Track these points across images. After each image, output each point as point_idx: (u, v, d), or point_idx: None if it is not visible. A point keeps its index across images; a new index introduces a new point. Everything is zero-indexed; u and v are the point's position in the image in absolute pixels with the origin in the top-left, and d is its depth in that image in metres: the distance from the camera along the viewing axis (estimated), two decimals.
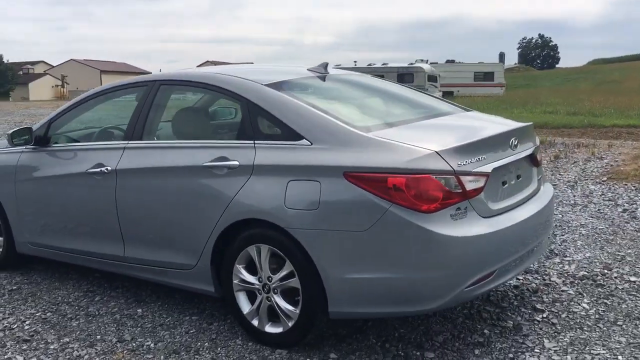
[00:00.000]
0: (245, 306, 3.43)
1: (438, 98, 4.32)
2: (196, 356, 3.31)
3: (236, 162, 3.36)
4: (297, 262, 3.15)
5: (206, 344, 3.44)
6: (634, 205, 6.25)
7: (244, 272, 3.40)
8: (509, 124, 3.57)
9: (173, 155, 3.67)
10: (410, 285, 2.95)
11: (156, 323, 3.75)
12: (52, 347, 3.48)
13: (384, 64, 42.53)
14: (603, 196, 6.77)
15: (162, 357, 3.31)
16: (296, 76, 3.89)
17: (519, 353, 3.23)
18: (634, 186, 7.20)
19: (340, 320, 3.47)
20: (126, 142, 3.95)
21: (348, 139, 3.12)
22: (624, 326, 3.51)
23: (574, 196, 6.83)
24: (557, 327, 3.53)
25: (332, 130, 3.18)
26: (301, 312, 3.21)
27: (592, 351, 3.23)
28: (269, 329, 3.35)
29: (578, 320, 3.60)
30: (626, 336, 3.39)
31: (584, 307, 3.78)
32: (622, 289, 4.05)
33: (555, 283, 4.19)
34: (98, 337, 3.59)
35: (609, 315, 3.65)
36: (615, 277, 4.25)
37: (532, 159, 3.66)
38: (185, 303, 3.99)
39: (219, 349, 3.38)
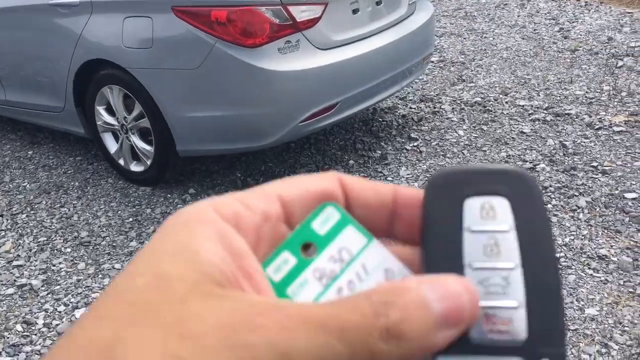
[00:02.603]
0: (111, 146, 3.49)
1: None
2: (64, 195, 3.44)
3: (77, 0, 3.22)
4: (143, 102, 3.14)
5: (77, 183, 3.56)
6: (573, 24, 5.97)
7: (103, 113, 3.41)
8: None
9: None
10: (244, 121, 2.95)
11: (39, 164, 3.86)
12: None
13: None
14: (548, 15, 6.45)
15: (31, 197, 3.45)
16: None
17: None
18: (586, 1, 6.81)
19: (212, 158, 3.54)
20: None
21: None
22: (487, 151, 3.54)
23: (518, 16, 6.51)
24: (423, 155, 3.57)
25: None
26: (155, 150, 3.26)
27: None
28: (134, 167, 3.44)
29: (446, 148, 3.63)
30: (483, 161, 3.42)
31: (459, 135, 3.78)
32: (507, 114, 4.01)
33: (444, 111, 4.15)
34: None
35: (478, 142, 3.67)
36: (506, 102, 4.19)
37: None
38: (75, 144, 4.06)
39: (88, 187, 3.51)
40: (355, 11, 3.15)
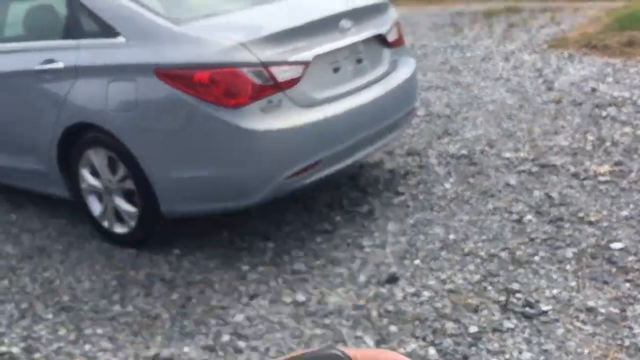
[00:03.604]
0: (96, 208, 3.47)
1: None
2: (47, 259, 3.40)
3: (61, 64, 3.26)
4: (127, 164, 3.14)
5: (60, 247, 3.52)
6: (557, 75, 6.08)
7: (87, 175, 3.40)
8: (342, 6, 3.36)
9: (9, 60, 3.57)
10: (228, 180, 2.95)
11: (23, 228, 3.82)
12: None
13: None
14: (532, 67, 6.57)
15: (14, 261, 3.40)
16: None
17: (359, 238, 3.28)
18: (569, 53, 6.96)
19: (198, 217, 3.51)
20: None
21: (159, 33, 2.99)
22: (473, 204, 3.53)
23: (503, 69, 6.62)
24: (410, 209, 3.55)
25: (144, 25, 3.04)
26: (139, 212, 3.24)
27: (429, 231, 3.26)
28: (118, 229, 3.41)
29: (432, 202, 3.61)
30: (470, 214, 3.41)
31: (445, 188, 3.78)
32: (493, 166, 4.02)
33: (431, 164, 4.17)
34: None
35: (465, 194, 3.66)
36: (493, 155, 4.21)
37: (382, 40, 3.50)
38: (59, 207, 4.02)
39: (72, 251, 3.46)
40: (336, 70, 3.20)
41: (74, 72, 3.20)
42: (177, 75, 2.86)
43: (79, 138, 3.32)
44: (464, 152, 4.31)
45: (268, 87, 2.86)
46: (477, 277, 2.79)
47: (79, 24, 3.28)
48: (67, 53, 3.26)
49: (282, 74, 2.89)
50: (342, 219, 3.52)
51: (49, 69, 3.30)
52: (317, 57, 3.04)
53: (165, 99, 2.91)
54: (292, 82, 2.94)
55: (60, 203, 3.95)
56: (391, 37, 3.57)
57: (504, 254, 2.96)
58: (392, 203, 3.66)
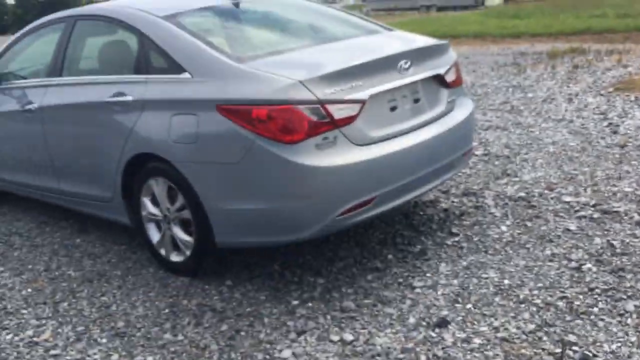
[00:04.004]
0: (154, 236, 3.57)
1: (363, 18, 4.14)
2: (105, 284, 3.51)
3: (130, 98, 3.41)
4: (186, 194, 3.23)
5: (119, 272, 3.63)
6: (623, 119, 5.91)
7: (148, 204, 3.51)
8: (402, 46, 3.39)
9: (83, 92, 3.77)
10: (281, 215, 2.98)
11: (85, 252, 3.97)
12: None
13: None
14: (596, 109, 6.41)
15: (74, 285, 3.53)
16: (202, 5, 3.81)
17: (410, 278, 3.25)
18: (636, 96, 6.76)
19: (250, 248, 3.56)
20: (49, 79, 4.06)
21: (221, 70, 3.10)
22: (530, 249, 3.44)
23: (566, 111, 6.49)
24: (463, 251, 3.50)
25: (209, 62, 3.16)
26: (195, 242, 3.31)
27: (483, 275, 3.20)
28: (174, 257, 3.49)
29: (487, 244, 3.55)
30: (527, 259, 3.32)
31: (501, 230, 3.70)
32: (552, 210, 3.92)
33: (487, 205, 4.10)
34: (29, 266, 3.85)
35: (522, 238, 3.57)
36: (552, 198, 4.11)
37: (441, 80, 3.51)
38: (121, 233, 4.17)
39: (129, 277, 3.57)
40: (393, 108, 3.22)
41: (141, 105, 3.34)
42: (236, 111, 2.94)
43: (142, 167, 3.45)
44: (522, 194, 4.22)
45: (324, 125, 2.91)
46: (531, 326, 2.71)
47: (149, 60, 3.43)
48: (136, 87, 3.41)
49: (338, 111, 2.93)
50: (394, 257, 3.50)
51: (119, 101, 3.46)
52: (374, 96, 3.07)
53: (224, 133, 2.99)
54: (348, 120, 2.97)
55: (121, 229, 4.09)
56: (450, 78, 3.57)
57: (561, 303, 2.86)
58: (445, 243, 3.61)
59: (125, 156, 3.47)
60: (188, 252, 3.38)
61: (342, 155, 2.95)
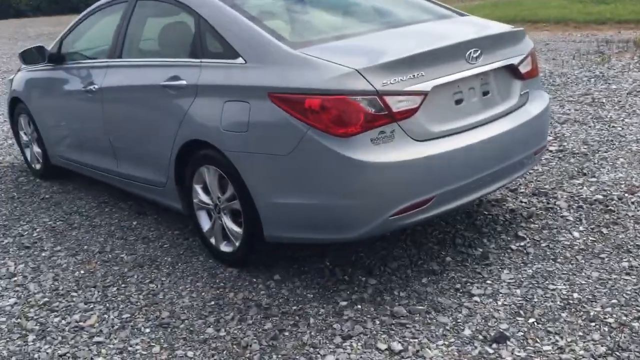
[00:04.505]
0: (205, 224, 3.50)
1: (434, 2, 3.88)
2: (155, 270, 3.47)
3: (184, 82, 3.33)
4: (236, 185, 3.13)
5: (170, 259, 3.59)
6: None
7: (200, 191, 3.44)
8: (472, 33, 3.13)
9: (140, 74, 3.72)
10: (331, 212, 2.82)
11: (140, 236, 3.96)
12: (43, 254, 3.81)
13: None
14: None
15: (126, 269, 3.51)
16: None
17: (468, 284, 3.03)
18: None
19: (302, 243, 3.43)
20: (109, 60, 4.04)
21: (276, 56, 2.95)
22: (606, 259, 3.14)
23: None
24: (529, 257, 3.23)
25: (263, 47, 3.02)
26: (244, 233, 3.21)
27: (549, 286, 2.94)
28: (224, 247, 3.41)
29: (557, 251, 3.27)
30: (600, 271, 3.03)
31: (573, 237, 3.41)
32: (633, 216, 3.58)
33: (559, 207, 3.79)
34: (85, 247, 3.87)
35: (596, 247, 3.27)
36: (633, 203, 3.76)
37: (514, 71, 3.23)
38: (176, 218, 4.13)
39: (179, 264, 3.51)
40: (458, 102, 2.98)
41: (194, 90, 3.25)
42: (289, 100, 2.79)
43: (194, 154, 3.36)
44: (599, 196, 3.88)
45: (381, 117, 2.71)
46: (602, 348, 2.44)
47: (204, 43, 3.33)
48: (190, 71, 3.32)
49: (397, 104, 2.73)
50: (453, 260, 3.28)
51: (173, 85, 3.38)
52: (437, 88, 2.84)
53: (276, 122, 2.85)
54: (408, 113, 2.77)
55: (176, 214, 4.04)
56: (524, 68, 3.28)
57: (637, 325, 2.58)
58: (509, 248, 3.35)
59: (178, 142, 3.40)
60: (237, 243, 3.29)
61: (399, 151, 2.75)
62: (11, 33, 24.40)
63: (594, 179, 4.19)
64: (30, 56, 4.69)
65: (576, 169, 4.42)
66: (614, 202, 3.79)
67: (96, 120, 4.16)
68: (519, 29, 3.37)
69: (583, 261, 3.14)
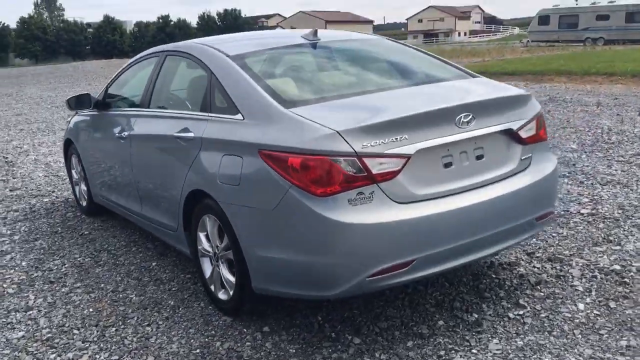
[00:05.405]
0: (207, 271, 3.61)
1: (447, 63, 3.89)
2: (156, 313, 3.59)
3: (192, 134, 3.49)
4: (229, 235, 3.22)
5: (173, 302, 3.71)
6: None
7: (203, 239, 3.56)
8: (464, 97, 3.11)
9: (160, 124, 3.94)
10: (307, 269, 2.85)
11: (154, 277, 4.12)
12: (62, 290, 4.03)
13: (610, 2, 37.99)
14: None
15: (130, 310, 3.66)
16: (275, 45, 3.83)
17: (452, 352, 2.95)
18: None
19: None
20: (139, 109, 4.31)
21: (268, 114, 3.06)
22: (604, 336, 2.97)
23: None
24: (524, 327, 3.12)
25: (258, 104, 3.14)
26: (236, 283, 3.29)
27: None
28: (221, 295, 3.50)
29: (555, 323, 3.13)
30: (595, 348, 2.87)
31: (577, 308, 3.26)
32: None
33: (571, 276, 3.63)
34: (102, 285, 4.06)
35: (598, 321, 3.11)
36: None
37: (513, 136, 3.19)
38: (192, 261, 4.26)
39: (180, 308, 3.63)
40: (447, 165, 2.97)
41: (200, 143, 3.41)
42: (275, 157, 2.88)
43: (199, 203, 3.50)
44: (617, 267, 3.69)
45: (360, 179, 2.74)
46: None
47: (213, 99, 3.49)
48: (199, 124, 3.48)
49: (377, 166, 2.75)
50: (445, 324, 3.20)
51: (183, 136, 3.55)
52: (423, 151, 2.85)
53: (263, 178, 2.93)
54: (389, 176, 2.78)
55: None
56: (526, 133, 3.23)
57: None
58: (507, 316, 3.24)
59: (185, 190, 3.55)
60: (231, 292, 3.37)
61: (377, 213, 2.76)
62: (109, 72, 26.14)
63: (617, 247, 3.99)
64: (76, 103, 5.05)
65: (603, 234, 4.23)
66: (632, 273, 3.59)
67: (126, 164, 4.42)
68: (524, 93, 3.32)
69: (580, 336, 2.99)
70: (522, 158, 3.23)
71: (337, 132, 2.75)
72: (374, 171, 2.75)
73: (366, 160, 2.74)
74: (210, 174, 3.28)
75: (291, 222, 2.85)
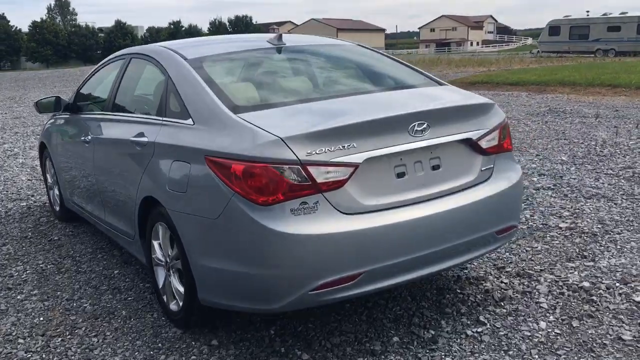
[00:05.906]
0: (161, 281, 3.49)
1: (416, 71, 3.76)
2: (106, 323, 3.48)
3: (146, 139, 3.39)
4: (178, 244, 3.11)
5: (125, 312, 3.59)
6: None
7: (157, 248, 3.45)
8: (420, 105, 2.98)
9: (118, 128, 3.84)
10: (250, 281, 2.73)
11: (112, 286, 4.00)
12: (19, 297, 3.93)
13: (622, 13, 37.79)
14: None
15: (80, 320, 3.55)
16: (237, 49, 3.73)
17: None
18: None
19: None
20: (103, 113, 4.22)
21: (216, 119, 2.95)
22: (562, 357, 2.83)
23: None
24: (480, 346, 2.97)
25: (207, 109, 3.03)
26: (185, 294, 3.17)
27: None
28: (172, 306, 3.38)
29: (513, 342, 2.98)
30: None
31: (538, 327, 3.11)
32: (613, 310, 3.23)
33: (537, 292, 3.49)
34: (58, 293, 3.95)
35: (557, 341, 2.96)
36: (620, 294, 3.39)
37: (473, 146, 3.06)
38: None
39: (132, 319, 3.51)
40: (400, 175, 2.84)
41: (153, 148, 3.30)
42: (219, 164, 2.76)
43: (152, 210, 3.39)
44: (586, 284, 3.54)
45: (304, 188, 2.62)
46: None
47: (168, 103, 3.39)
48: (153, 129, 3.38)
49: (322, 175, 2.63)
50: (400, 341, 3.07)
51: (138, 141, 3.45)
52: (372, 160, 2.72)
53: (208, 186, 2.82)
54: (335, 185, 2.66)
55: None
56: (487, 144, 3.10)
57: None
58: (464, 333, 3.10)
59: (139, 197, 3.45)
60: (181, 303, 3.25)
61: (321, 224, 2.64)
62: None
63: (590, 264, 3.84)
64: (45, 106, 4.96)
65: (577, 250, 4.08)
66: (600, 291, 3.45)
67: (89, 169, 4.33)
68: (487, 102, 3.19)
69: (537, 356, 2.85)
70: (483, 169, 3.10)
71: (281, 138, 2.63)
72: (319, 180, 2.63)
73: (310, 169, 2.62)
74: (161, 180, 3.17)
75: (233, 231, 2.73)
